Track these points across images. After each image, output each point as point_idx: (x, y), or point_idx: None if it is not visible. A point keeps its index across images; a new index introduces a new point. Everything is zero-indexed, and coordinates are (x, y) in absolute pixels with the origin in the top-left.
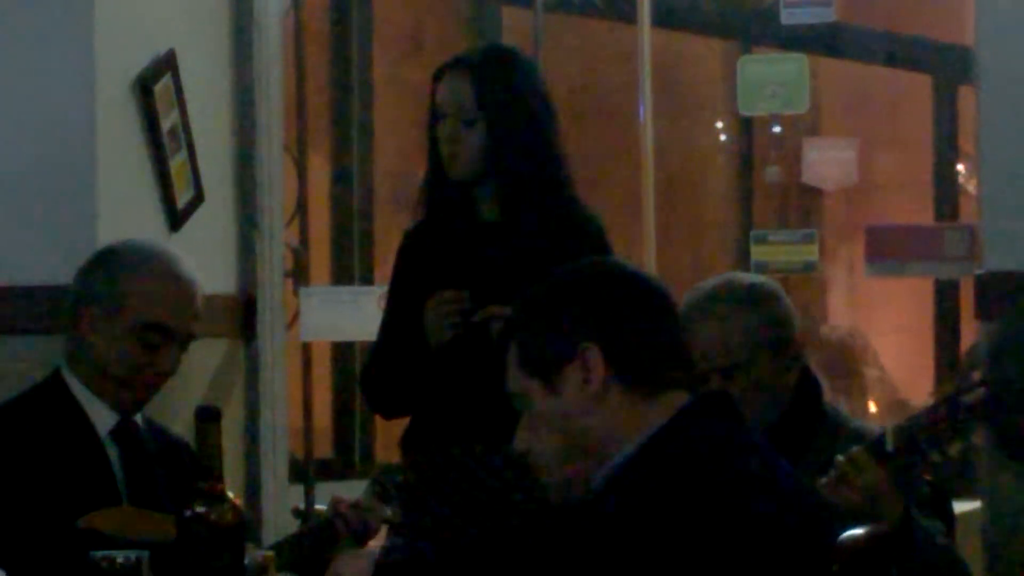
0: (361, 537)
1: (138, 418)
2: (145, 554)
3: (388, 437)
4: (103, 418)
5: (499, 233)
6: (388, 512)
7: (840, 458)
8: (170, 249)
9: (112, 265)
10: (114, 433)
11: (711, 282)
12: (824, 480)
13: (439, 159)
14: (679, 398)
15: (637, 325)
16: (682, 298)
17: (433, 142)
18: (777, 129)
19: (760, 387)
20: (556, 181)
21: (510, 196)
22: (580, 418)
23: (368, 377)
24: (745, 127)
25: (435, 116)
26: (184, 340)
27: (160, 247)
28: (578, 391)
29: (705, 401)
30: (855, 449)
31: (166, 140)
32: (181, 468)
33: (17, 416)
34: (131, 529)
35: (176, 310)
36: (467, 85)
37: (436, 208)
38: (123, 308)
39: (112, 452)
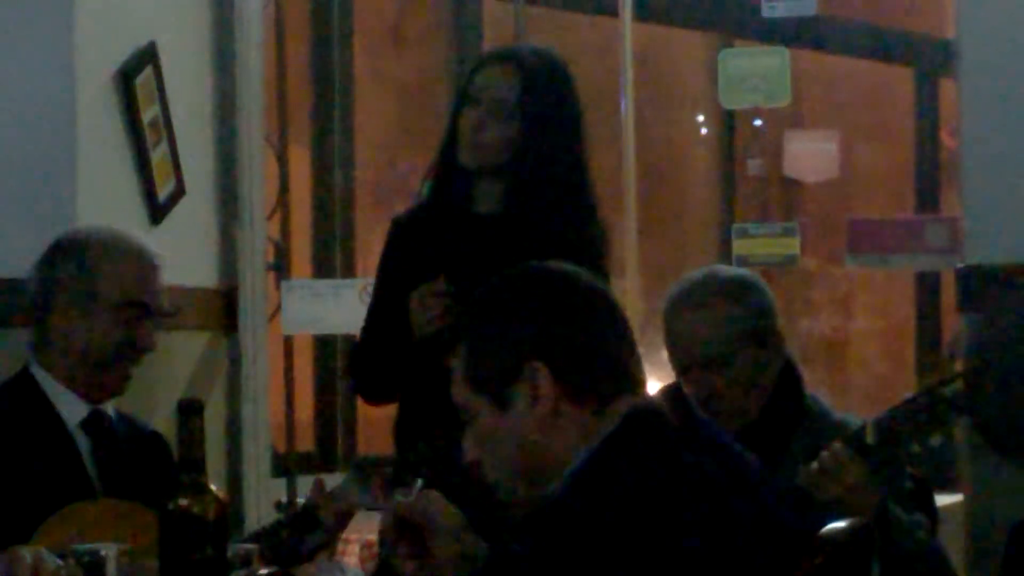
0: (341, 521)
1: (109, 409)
2: (127, 548)
3: (370, 430)
4: (73, 409)
5: (499, 226)
6: (367, 498)
7: (824, 454)
8: (123, 228)
9: (75, 252)
10: (85, 424)
11: (695, 275)
12: (805, 471)
13: (455, 144)
14: (629, 403)
15: (583, 339)
16: (666, 292)
17: (453, 127)
18: (758, 122)
19: (743, 379)
20: (575, 188)
21: (523, 192)
22: (531, 436)
23: (355, 363)
24: (727, 120)
25: (464, 101)
26: (158, 315)
27: (113, 228)
28: (528, 410)
29: (652, 403)
30: (837, 446)
31: (147, 133)
32: (154, 459)
33: None
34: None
35: (148, 285)
36: (513, 78)
37: (439, 195)
38: (96, 291)
39: (83, 443)
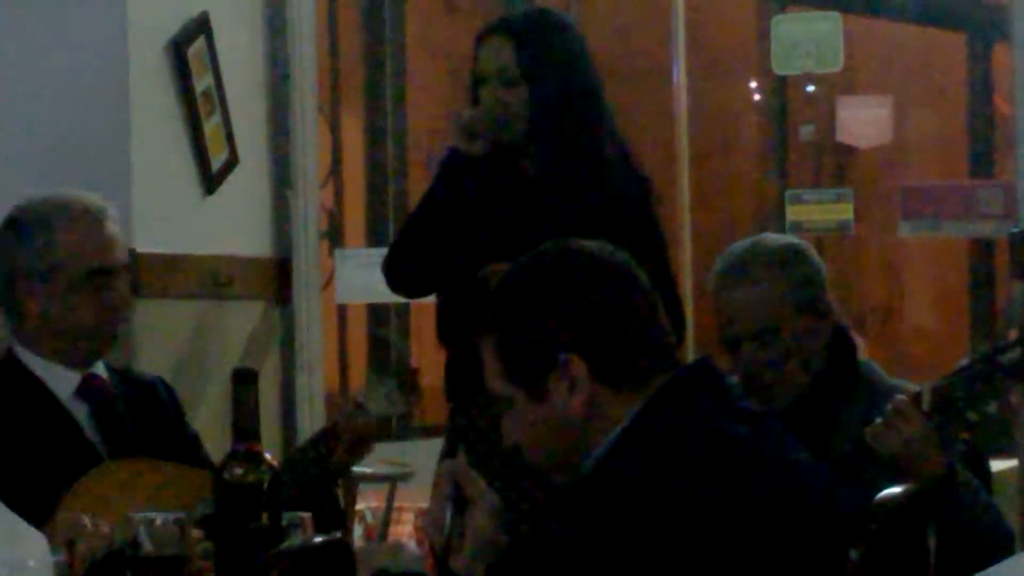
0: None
1: (100, 370)
2: (185, 515)
3: (423, 398)
4: (64, 381)
5: (542, 189)
6: (382, 405)
7: (888, 407)
8: (61, 191)
9: (25, 230)
10: (80, 392)
11: (740, 246)
12: (870, 429)
13: None
14: (663, 380)
15: (614, 323)
16: (715, 262)
17: (475, 105)
18: (811, 88)
19: (792, 351)
20: (596, 145)
21: (548, 160)
22: (570, 425)
23: (395, 256)
24: (779, 86)
25: (476, 80)
26: (122, 271)
27: (52, 194)
28: (566, 400)
29: (683, 376)
30: (901, 397)
31: (200, 103)
32: (159, 407)
33: None
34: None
35: (103, 246)
36: (508, 49)
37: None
38: (54, 267)
39: (81, 411)
